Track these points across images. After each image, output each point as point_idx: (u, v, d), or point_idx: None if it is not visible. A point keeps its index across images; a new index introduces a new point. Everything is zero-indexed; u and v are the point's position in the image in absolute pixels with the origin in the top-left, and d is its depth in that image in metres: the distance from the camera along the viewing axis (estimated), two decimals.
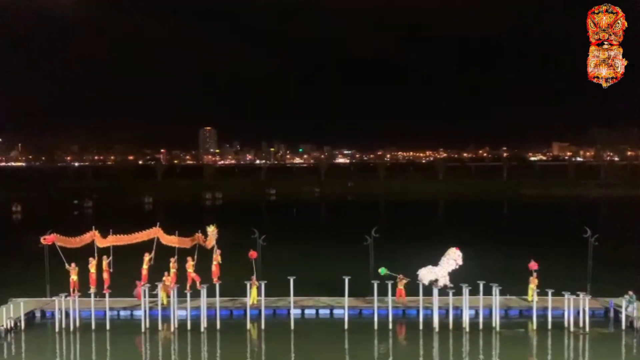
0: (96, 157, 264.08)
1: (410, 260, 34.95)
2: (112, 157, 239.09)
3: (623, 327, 29.64)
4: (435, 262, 31.82)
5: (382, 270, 31.42)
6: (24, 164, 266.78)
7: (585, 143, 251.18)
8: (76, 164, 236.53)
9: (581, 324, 29.46)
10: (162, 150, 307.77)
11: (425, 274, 31.32)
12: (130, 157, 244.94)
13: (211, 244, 32.68)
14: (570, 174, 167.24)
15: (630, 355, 27.34)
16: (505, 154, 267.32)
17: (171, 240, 32.92)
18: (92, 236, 32.24)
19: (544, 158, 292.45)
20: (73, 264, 31.50)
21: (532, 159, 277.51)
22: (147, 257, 32.13)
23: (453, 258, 30.91)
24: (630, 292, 30.10)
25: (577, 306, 29.66)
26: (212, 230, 32.74)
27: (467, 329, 29.37)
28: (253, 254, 32.49)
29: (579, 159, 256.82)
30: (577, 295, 29.75)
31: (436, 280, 30.99)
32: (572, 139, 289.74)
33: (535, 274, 31.43)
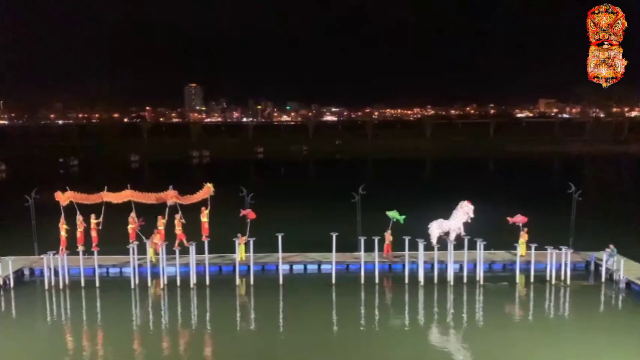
0: (80, 115, 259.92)
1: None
2: (97, 115, 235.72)
3: (603, 279, 30.46)
4: (428, 218, 32.10)
5: (394, 215, 31.49)
6: (6, 122, 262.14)
7: (571, 100, 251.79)
8: (60, 122, 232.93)
9: (563, 277, 30.25)
10: (147, 108, 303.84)
11: (435, 230, 31.41)
12: (115, 115, 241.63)
13: (189, 200, 32.25)
14: (556, 130, 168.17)
15: (609, 306, 28.25)
16: (492, 111, 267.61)
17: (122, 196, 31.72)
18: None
19: (531, 115, 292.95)
20: (63, 220, 31.46)
21: (519, 115, 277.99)
22: (132, 216, 32.02)
23: (465, 211, 31.12)
24: (611, 246, 30.79)
25: (560, 260, 30.39)
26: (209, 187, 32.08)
27: (452, 283, 30.02)
28: (251, 215, 32.39)
29: (565, 115, 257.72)
30: (560, 250, 30.44)
31: (447, 234, 31.27)
32: (559, 95, 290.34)
33: (525, 229, 31.98)
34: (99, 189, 32.21)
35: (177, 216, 32.18)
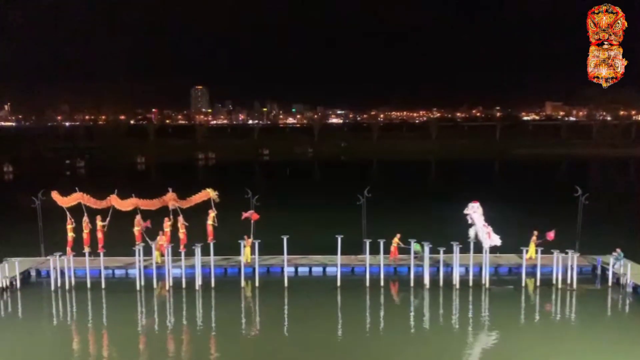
0: (87, 117, 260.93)
1: (402, 219, 35.42)
2: (103, 117, 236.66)
3: (609, 283, 30.27)
4: (433, 221, 31.93)
5: (417, 247, 30.86)
6: (13, 124, 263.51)
7: (578, 103, 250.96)
8: (67, 124, 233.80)
9: (569, 281, 30.09)
10: (153, 110, 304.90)
11: (485, 238, 30.50)
12: (122, 117, 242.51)
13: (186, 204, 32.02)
14: (563, 133, 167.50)
15: (615, 311, 28.07)
16: (498, 114, 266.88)
17: (127, 204, 31.71)
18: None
19: (537, 118, 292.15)
20: (70, 220, 31.61)
21: (525, 118, 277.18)
22: (138, 218, 32.12)
23: (480, 212, 30.72)
24: (618, 250, 30.63)
25: (566, 264, 30.23)
26: (212, 193, 31.88)
27: (457, 286, 29.92)
28: (254, 216, 32.34)
29: (571, 118, 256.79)
30: (566, 253, 30.27)
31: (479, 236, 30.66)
32: (565, 98, 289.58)
33: (536, 232, 31.85)
34: (105, 190, 32.34)
35: (180, 219, 32.16)
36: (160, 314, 27.45)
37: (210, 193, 31.98)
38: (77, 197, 31.64)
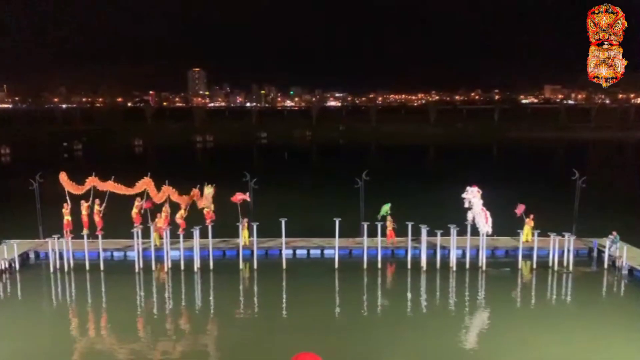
0: (84, 99, 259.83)
1: (400, 203, 35.46)
2: (101, 99, 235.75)
3: (605, 266, 30.51)
4: (431, 204, 31.97)
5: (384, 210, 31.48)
6: (10, 106, 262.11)
7: (577, 86, 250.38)
8: (64, 106, 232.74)
9: (565, 264, 30.30)
10: (150, 92, 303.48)
11: (482, 223, 30.38)
12: (119, 99, 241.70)
13: (202, 204, 31.85)
14: (562, 116, 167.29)
15: (611, 293, 28.31)
16: (496, 97, 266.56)
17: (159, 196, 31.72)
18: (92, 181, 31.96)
19: (536, 101, 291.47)
20: (66, 204, 31.64)
21: (524, 101, 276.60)
22: (138, 199, 32.14)
23: (479, 197, 30.75)
24: (614, 233, 30.81)
25: (562, 246, 30.42)
26: (209, 191, 31.75)
27: (454, 268, 30.11)
28: (235, 198, 32.22)
29: (570, 101, 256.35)
30: (562, 236, 30.44)
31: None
32: (564, 81, 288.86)
33: (531, 215, 32.00)
34: (103, 175, 32.26)
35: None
36: (158, 296, 27.57)
37: (197, 192, 31.88)
38: (91, 182, 31.52)
